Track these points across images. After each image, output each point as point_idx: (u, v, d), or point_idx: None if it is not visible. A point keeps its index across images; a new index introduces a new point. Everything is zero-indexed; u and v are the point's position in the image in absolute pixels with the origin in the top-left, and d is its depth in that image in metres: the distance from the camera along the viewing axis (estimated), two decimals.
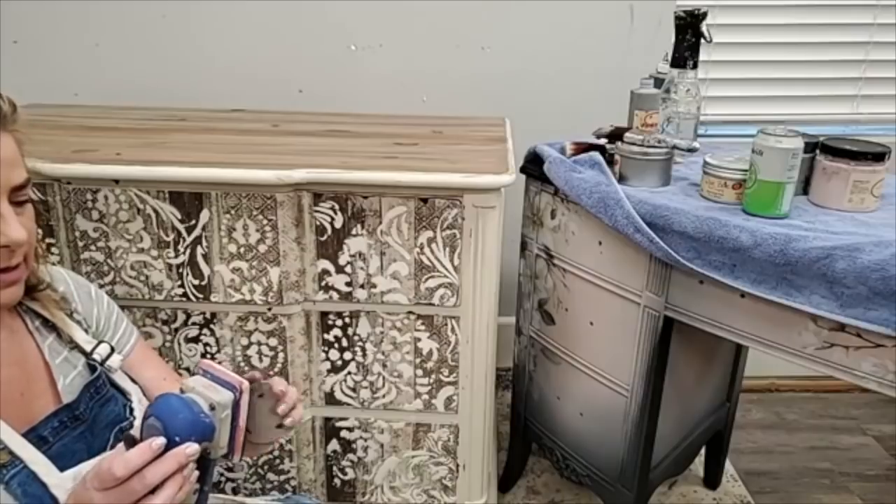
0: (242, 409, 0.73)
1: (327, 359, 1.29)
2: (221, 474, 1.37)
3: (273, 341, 1.26)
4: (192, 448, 0.66)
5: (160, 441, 0.65)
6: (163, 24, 1.74)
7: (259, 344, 1.26)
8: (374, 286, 1.23)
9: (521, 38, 1.78)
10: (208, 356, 1.28)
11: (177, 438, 0.66)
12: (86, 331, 0.83)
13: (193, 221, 1.18)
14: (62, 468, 0.72)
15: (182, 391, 0.72)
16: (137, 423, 0.80)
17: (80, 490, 0.66)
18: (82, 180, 1.16)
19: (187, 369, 1.29)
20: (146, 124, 1.48)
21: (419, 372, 1.29)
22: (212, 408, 0.70)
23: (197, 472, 0.70)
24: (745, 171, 1.09)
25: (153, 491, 0.64)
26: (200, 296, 1.23)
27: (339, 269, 1.22)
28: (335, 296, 1.24)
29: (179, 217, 1.18)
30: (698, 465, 1.72)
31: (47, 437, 0.73)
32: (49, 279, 0.82)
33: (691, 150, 1.34)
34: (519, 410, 1.59)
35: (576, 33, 1.78)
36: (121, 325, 0.92)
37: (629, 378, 1.28)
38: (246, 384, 0.73)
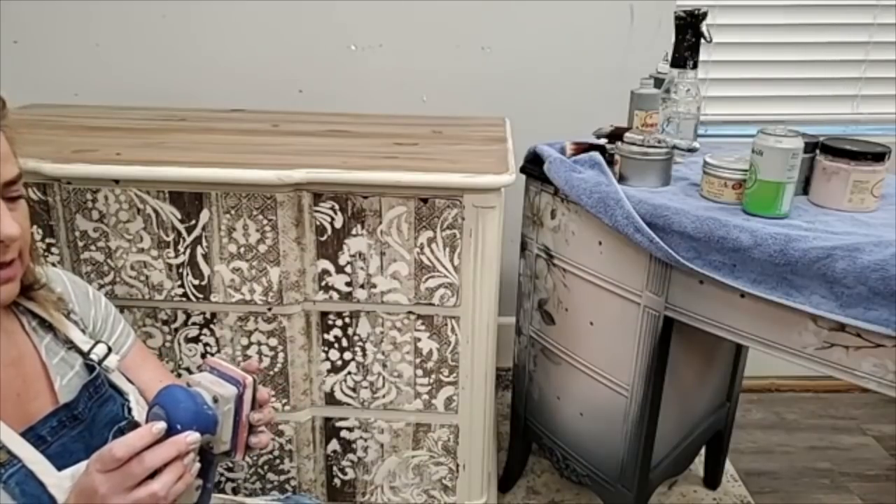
0: (246, 404, 0.74)
1: (327, 359, 1.29)
2: (221, 474, 1.38)
3: (273, 341, 1.26)
4: (192, 436, 0.67)
5: (160, 425, 0.66)
6: (163, 24, 1.74)
7: (259, 344, 1.26)
8: (374, 286, 1.23)
9: (521, 38, 1.78)
10: (209, 356, 1.28)
11: (178, 427, 0.67)
12: (83, 331, 0.83)
13: (193, 221, 1.18)
14: (60, 468, 0.72)
15: (188, 385, 0.73)
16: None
17: (82, 476, 0.67)
18: (82, 180, 1.16)
19: (187, 369, 1.29)
20: (146, 124, 1.48)
21: (419, 372, 1.29)
22: (215, 400, 0.71)
23: (198, 466, 0.71)
24: (745, 171, 1.09)
25: (153, 476, 0.65)
26: (200, 296, 1.23)
27: (339, 269, 1.22)
28: (335, 296, 1.24)
29: (179, 217, 1.18)
30: (698, 465, 1.72)
31: (46, 436, 0.73)
32: (46, 279, 0.82)
33: (691, 150, 1.34)
34: (519, 410, 1.59)
35: (576, 33, 1.78)
36: (118, 326, 0.92)
37: (629, 378, 1.28)
38: (250, 379, 0.74)
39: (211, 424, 0.70)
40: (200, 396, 0.71)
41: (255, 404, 0.77)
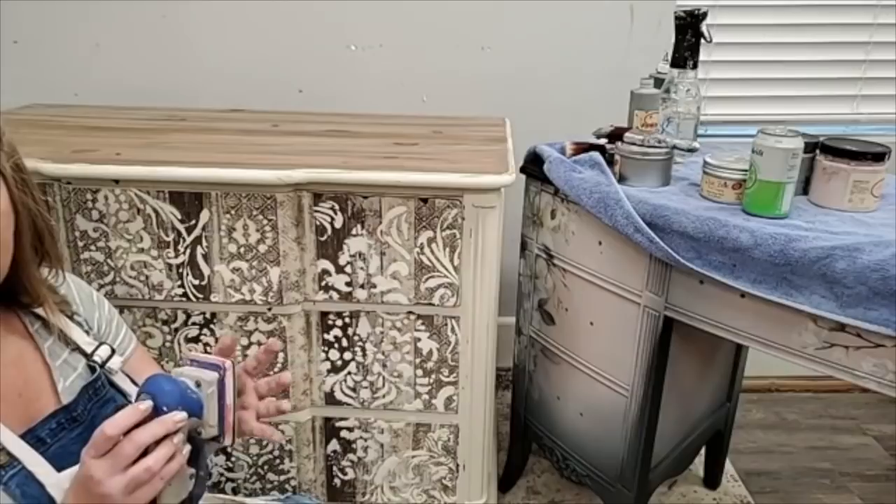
0: (228, 387, 0.76)
1: (327, 359, 1.29)
2: (221, 474, 1.38)
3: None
4: (179, 415, 0.69)
5: (147, 403, 0.68)
6: (163, 25, 1.74)
7: (259, 344, 1.26)
8: (374, 286, 1.23)
9: (520, 38, 1.78)
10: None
11: (165, 409, 0.69)
12: (87, 332, 0.83)
13: (193, 221, 1.18)
14: (60, 469, 0.72)
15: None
16: None
17: (78, 468, 0.68)
18: (82, 180, 1.16)
19: None
20: (146, 124, 1.48)
21: (419, 372, 1.29)
22: (198, 385, 0.74)
23: (189, 448, 0.72)
24: (745, 171, 1.09)
25: (146, 456, 0.66)
26: (200, 296, 1.23)
27: (339, 269, 1.22)
28: (335, 296, 1.24)
29: (179, 217, 1.18)
30: (698, 465, 1.71)
31: (45, 438, 0.73)
32: (57, 283, 0.82)
33: (691, 150, 1.34)
34: (519, 410, 1.59)
35: (576, 33, 1.78)
36: (121, 329, 0.92)
37: (629, 378, 1.28)
38: (229, 363, 0.76)
39: (196, 407, 0.73)
40: (184, 382, 0.73)
41: (238, 387, 0.79)
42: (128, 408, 0.67)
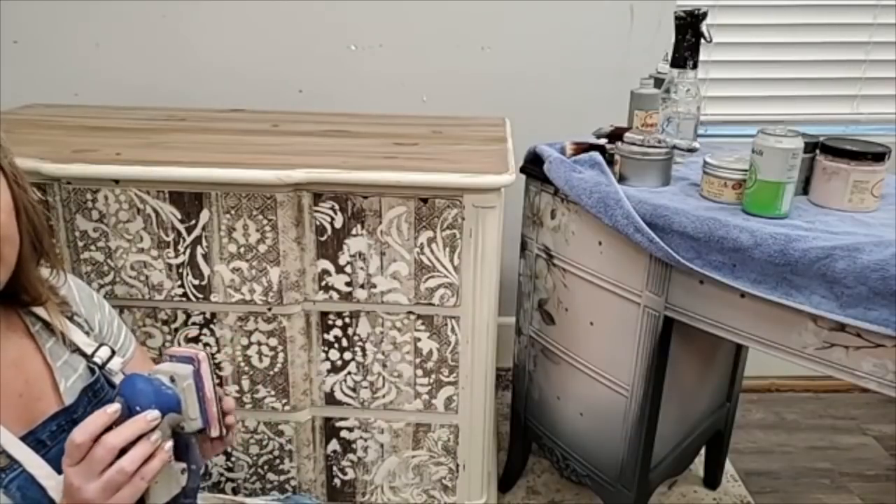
0: (205, 378, 0.76)
1: (327, 359, 1.29)
2: (221, 474, 1.38)
3: (273, 341, 1.26)
4: (152, 414, 0.69)
5: (115, 406, 0.68)
6: (163, 24, 1.74)
7: (259, 344, 1.26)
8: (374, 286, 1.23)
9: (521, 38, 1.78)
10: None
11: (137, 409, 0.69)
12: (87, 334, 0.83)
13: (193, 221, 1.18)
14: (60, 471, 0.72)
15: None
16: None
17: (63, 479, 0.68)
18: (82, 180, 1.16)
19: None
20: (146, 124, 1.48)
21: (419, 372, 1.29)
22: (172, 380, 0.74)
23: (171, 443, 0.72)
24: (745, 171, 1.09)
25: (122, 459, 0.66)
26: (200, 296, 1.23)
27: (339, 269, 1.22)
28: (335, 296, 1.24)
29: (179, 217, 1.18)
30: (698, 465, 1.72)
31: (45, 440, 0.73)
32: (58, 283, 0.82)
33: (691, 150, 1.34)
34: (519, 410, 1.59)
35: (576, 33, 1.78)
36: (121, 331, 0.92)
37: (629, 378, 1.28)
38: (203, 354, 0.76)
39: (173, 402, 0.73)
40: (158, 379, 0.73)
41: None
42: (96, 412, 0.67)
